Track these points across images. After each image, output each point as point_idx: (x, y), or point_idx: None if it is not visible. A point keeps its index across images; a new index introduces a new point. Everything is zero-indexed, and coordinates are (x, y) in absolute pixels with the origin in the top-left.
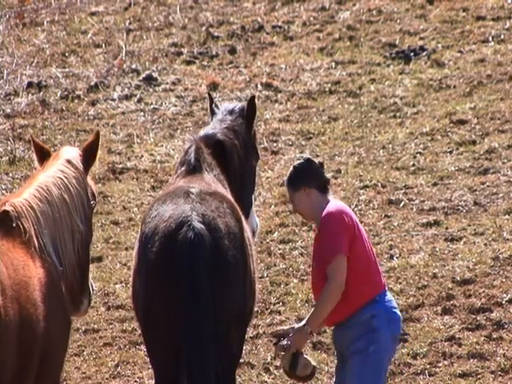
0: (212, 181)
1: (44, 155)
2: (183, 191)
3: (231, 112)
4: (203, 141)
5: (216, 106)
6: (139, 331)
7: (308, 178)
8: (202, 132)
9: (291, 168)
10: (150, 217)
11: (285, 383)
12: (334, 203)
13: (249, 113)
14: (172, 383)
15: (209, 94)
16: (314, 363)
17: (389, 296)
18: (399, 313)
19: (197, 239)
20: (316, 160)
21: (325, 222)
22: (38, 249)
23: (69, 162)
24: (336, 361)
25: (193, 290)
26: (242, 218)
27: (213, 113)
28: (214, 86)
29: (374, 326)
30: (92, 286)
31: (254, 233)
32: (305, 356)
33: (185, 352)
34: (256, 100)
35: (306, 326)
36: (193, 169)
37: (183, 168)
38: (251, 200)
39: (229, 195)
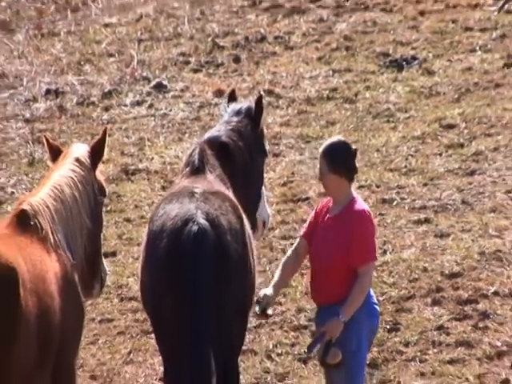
0: (214, 180)
1: (56, 153)
2: (188, 191)
3: (237, 113)
4: (208, 143)
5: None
6: None
7: (346, 168)
8: (207, 135)
9: (337, 142)
10: (157, 215)
11: (285, 369)
12: (362, 201)
13: (256, 112)
14: (178, 370)
15: (231, 93)
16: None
17: (371, 291)
18: (378, 309)
19: (201, 235)
20: (353, 147)
21: (363, 221)
22: (54, 244)
23: (78, 160)
24: None
25: (196, 282)
26: (243, 216)
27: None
28: (219, 93)
29: (354, 315)
30: (105, 272)
31: (264, 223)
32: (336, 347)
33: (187, 340)
34: None
35: (340, 316)
36: (196, 169)
37: (188, 169)
38: (260, 194)
39: (230, 194)
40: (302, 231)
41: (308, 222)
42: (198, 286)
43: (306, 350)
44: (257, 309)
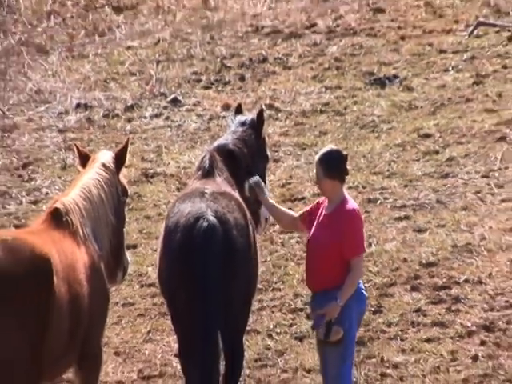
0: (222, 183)
1: (85, 158)
2: (199, 192)
3: (242, 124)
4: (217, 150)
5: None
6: None
7: (339, 173)
8: (216, 143)
9: (330, 151)
10: (172, 213)
11: (284, 346)
12: (352, 200)
13: (258, 123)
14: (191, 347)
15: (237, 107)
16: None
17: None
18: (365, 294)
19: (210, 230)
20: (344, 153)
21: (353, 219)
22: (83, 238)
23: (104, 165)
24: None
25: (206, 277)
26: (247, 213)
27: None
28: (227, 107)
29: (346, 301)
30: (127, 262)
31: (266, 220)
32: (336, 325)
33: (198, 334)
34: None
35: (338, 300)
36: (207, 173)
37: (199, 172)
38: None
39: (236, 194)
40: (299, 213)
41: (307, 209)
42: (208, 281)
43: (312, 327)
44: (247, 187)
